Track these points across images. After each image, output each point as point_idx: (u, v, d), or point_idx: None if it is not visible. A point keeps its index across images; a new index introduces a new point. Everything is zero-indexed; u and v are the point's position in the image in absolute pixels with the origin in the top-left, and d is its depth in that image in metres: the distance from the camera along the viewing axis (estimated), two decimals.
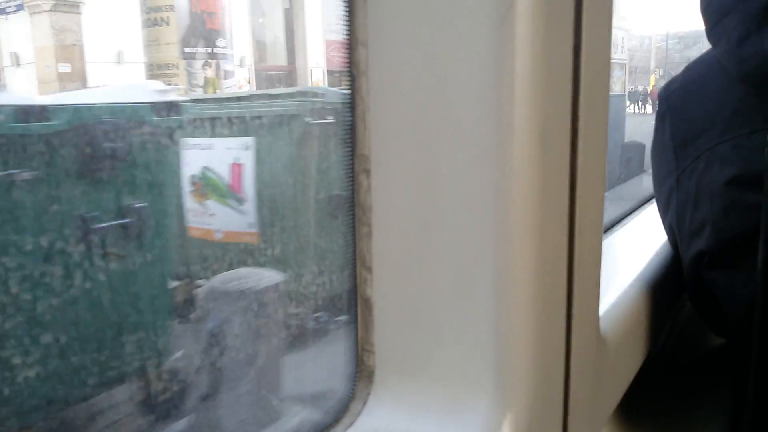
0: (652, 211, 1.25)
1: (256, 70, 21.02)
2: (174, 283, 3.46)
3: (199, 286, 3.70)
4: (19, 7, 16.89)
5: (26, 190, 2.59)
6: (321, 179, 4.10)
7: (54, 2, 15.68)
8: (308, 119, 4.01)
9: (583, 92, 0.56)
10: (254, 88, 19.38)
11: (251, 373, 2.85)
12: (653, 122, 1.00)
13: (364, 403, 0.58)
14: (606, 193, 0.68)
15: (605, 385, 0.76)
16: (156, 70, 15.20)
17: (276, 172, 4.07)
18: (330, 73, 22.26)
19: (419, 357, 0.56)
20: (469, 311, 0.53)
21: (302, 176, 4.10)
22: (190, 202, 4.05)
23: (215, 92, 14.18)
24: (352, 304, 0.59)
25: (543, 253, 0.54)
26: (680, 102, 0.95)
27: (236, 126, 4.16)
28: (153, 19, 15.27)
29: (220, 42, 15.26)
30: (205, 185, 4.02)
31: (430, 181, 0.53)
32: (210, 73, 15.13)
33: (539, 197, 0.52)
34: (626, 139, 11.13)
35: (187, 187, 4.02)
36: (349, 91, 0.55)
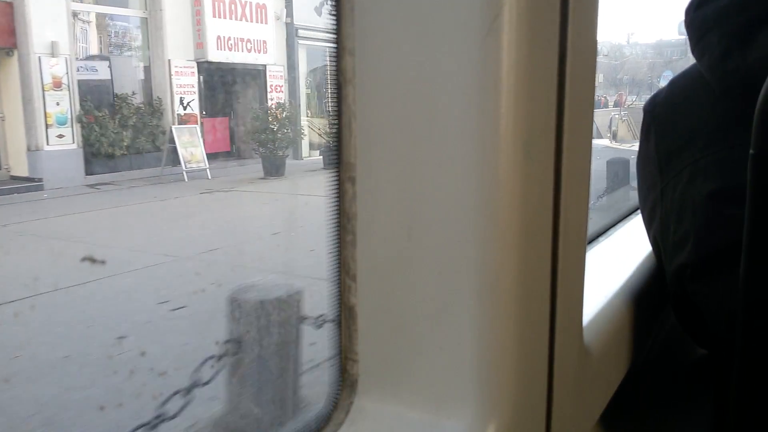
0: (636, 222, 1.25)
1: None
2: None
3: None
4: None
5: None
6: None
7: None
8: None
9: (567, 103, 0.57)
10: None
11: None
12: None
13: (347, 412, 0.58)
14: None
15: (589, 395, 0.76)
16: None
17: None
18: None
19: (403, 366, 0.56)
20: (453, 320, 0.53)
21: None
22: None
23: None
24: (336, 313, 0.59)
25: (526, 263, 0.54)
26: (665, 115, 0.96)
27: None
28: None
29: None
30: None
31: (415, 191, 0.53)
32: None
33: (523, 206, 0.52)
34: None
35: None
36: (335, 99, 0.55)
